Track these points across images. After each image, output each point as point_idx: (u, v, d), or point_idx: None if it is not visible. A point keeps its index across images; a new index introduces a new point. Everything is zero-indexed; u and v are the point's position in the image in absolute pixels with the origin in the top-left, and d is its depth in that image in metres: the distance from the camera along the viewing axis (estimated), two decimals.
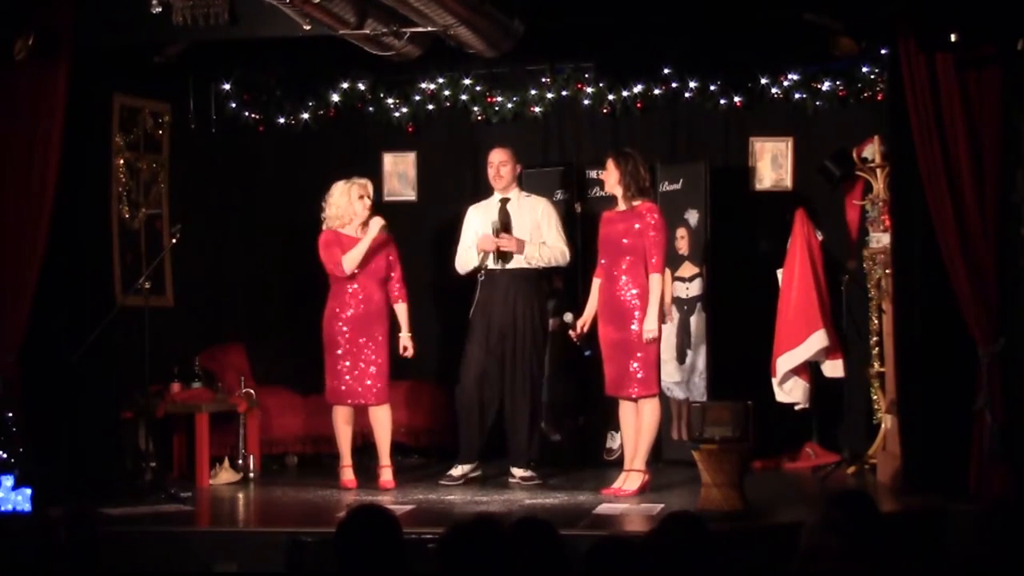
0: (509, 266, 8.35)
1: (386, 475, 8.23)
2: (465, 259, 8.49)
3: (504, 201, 8.45)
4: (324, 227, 8.28)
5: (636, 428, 7.90)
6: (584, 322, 8.07)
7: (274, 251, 9.98)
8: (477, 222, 8.48)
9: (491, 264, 8.39)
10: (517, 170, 8.53)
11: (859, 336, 8.91)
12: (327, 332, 8.20)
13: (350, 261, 8.11)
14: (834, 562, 3.90)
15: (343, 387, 8.18)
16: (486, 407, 8.37)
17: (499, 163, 8.43)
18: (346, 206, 8.22)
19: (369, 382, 8.16)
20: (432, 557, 4.05)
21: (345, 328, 8.15)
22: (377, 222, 8.15)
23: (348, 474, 8.26)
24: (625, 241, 7.87)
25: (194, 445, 8.48)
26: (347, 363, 8.15)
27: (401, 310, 8.30)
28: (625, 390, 7.88)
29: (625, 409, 7.96)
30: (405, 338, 8.29)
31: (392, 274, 8.29)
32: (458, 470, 8.31)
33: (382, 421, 8.25)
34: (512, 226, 8.37)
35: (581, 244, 8.94)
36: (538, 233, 8.39)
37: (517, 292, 8.35)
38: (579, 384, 9.06)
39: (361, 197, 8.23)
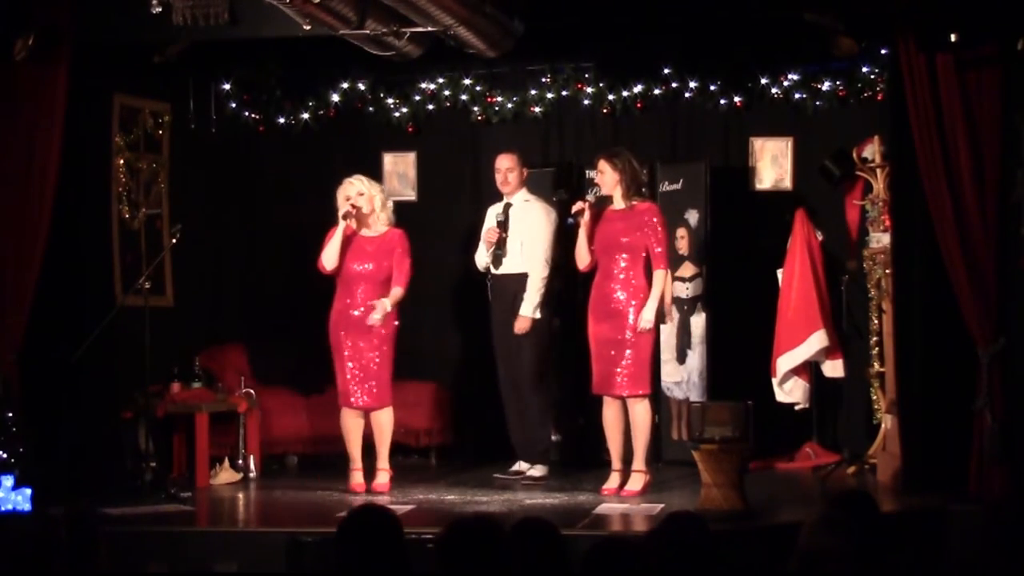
0: (507, 271, 8.42)
1: (381, 478, 8.15)
2: (477, 258, 8.60)
3: (507, 207, 8.48)
4: None
5: (620, 428, 7.91)
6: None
7: (274, 251, 9.97)
8: (491, 222, 8.57)
9: (492, 269, 8.47)
10: (524, 174, 8.55)
11: (859, 336, 8.91)
12: (331, 335, 8.11)
13: (326, 259, 8.09)
14: (834, 562, 3.90)
15: (345, 389, 8.13)
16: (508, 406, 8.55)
17: (506, 169, 8.49)
18: (341, 203, 8.15)
19: (368, 385, 8.07)
20: (432, 557, 4.04)
21: (345, 331, 8.09)
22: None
23: (357, 478, 8.13)
24: (624, 240, 7.86)
25: (194, 445, 8.47)
26: (349, 365, 8.07)
27: (395, 291, 8.05)
28: (611, 388, 7.88)
29: (609, 408, 7.95)
30: (380, 303, 7.98)
31: (398, 271, 8.12)
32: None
33: (382, 424, 8.17)
34: (508, 232, 8.42)
35: None
36: (529, 236, 8.40)
37: (517, 293, 8.38)
38: (579, 384, 9.06)
39: (347, 197, 8.15)
